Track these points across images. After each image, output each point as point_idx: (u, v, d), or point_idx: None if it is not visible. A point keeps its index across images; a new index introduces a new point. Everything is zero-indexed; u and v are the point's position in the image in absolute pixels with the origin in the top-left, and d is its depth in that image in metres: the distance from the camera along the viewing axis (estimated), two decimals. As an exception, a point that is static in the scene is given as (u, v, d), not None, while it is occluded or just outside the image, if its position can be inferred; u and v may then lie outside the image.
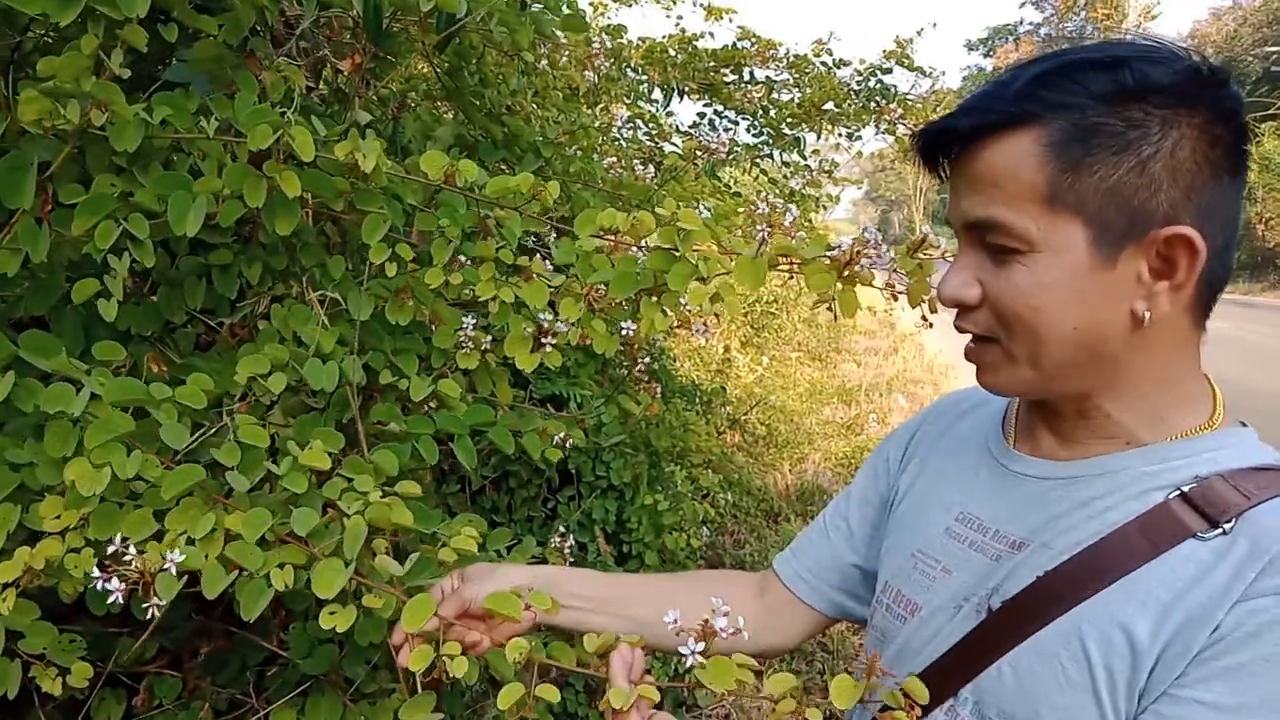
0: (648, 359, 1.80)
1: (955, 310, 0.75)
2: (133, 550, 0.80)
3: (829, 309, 0.87)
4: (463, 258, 1.09)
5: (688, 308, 0.98)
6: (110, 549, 0.79)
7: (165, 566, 0.80)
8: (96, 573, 0.79)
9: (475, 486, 2.03)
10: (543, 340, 1.02)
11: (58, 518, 0.86)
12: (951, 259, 0.77)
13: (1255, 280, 21.36)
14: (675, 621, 0.70)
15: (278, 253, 1.04)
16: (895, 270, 0.91)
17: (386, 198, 1.05)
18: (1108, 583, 0.69)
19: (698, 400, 3.97)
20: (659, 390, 2.37)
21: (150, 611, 0.82)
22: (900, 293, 0.92)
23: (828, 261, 0.90)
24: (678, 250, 0.94)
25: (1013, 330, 0.71)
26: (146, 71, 1.22)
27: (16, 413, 0.93)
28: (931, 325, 0.96)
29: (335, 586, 0.80)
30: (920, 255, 0.92)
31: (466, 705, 1.61)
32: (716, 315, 1.01)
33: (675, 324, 0.98)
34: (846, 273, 0.90)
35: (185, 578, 0.84)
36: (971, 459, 0.86)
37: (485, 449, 1.27)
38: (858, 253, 0.88)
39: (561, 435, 1.22)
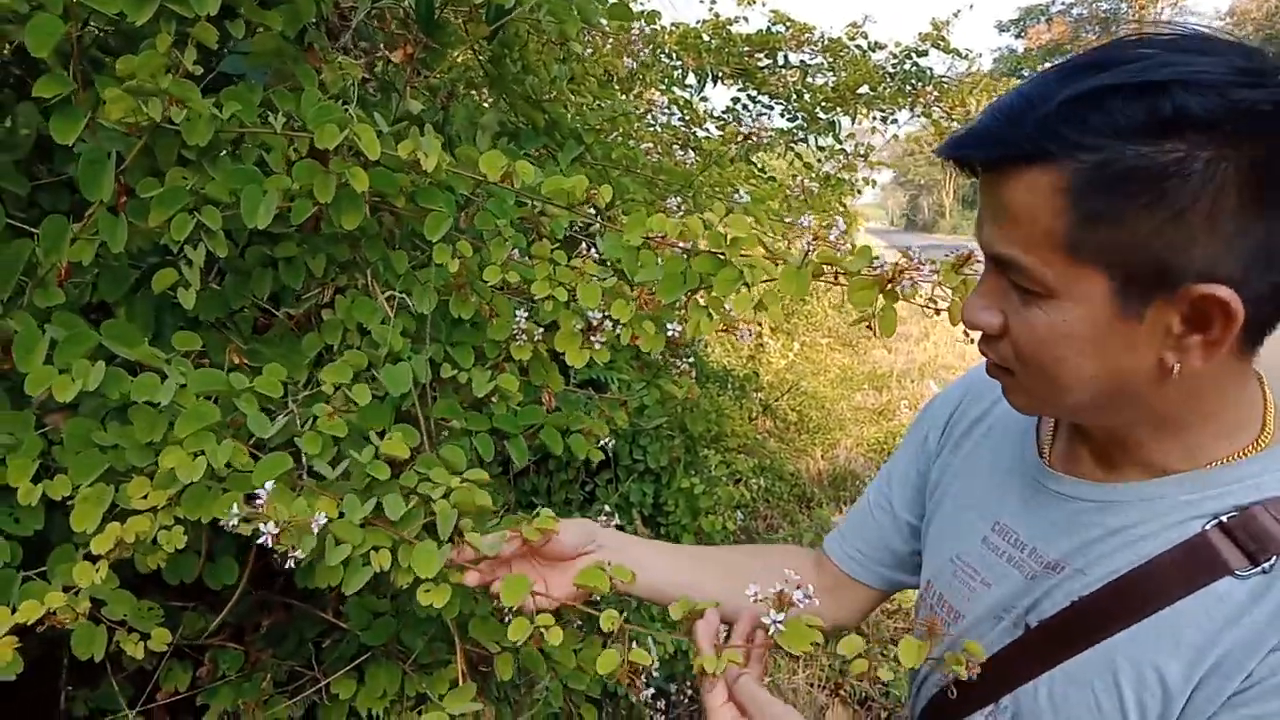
0: (689, 351, 1.83)
1: (979, 332, 0.74)
2: (265, 501, 0.83)
3: (868, 326, 0.88)
4: (515, 249, 1.12)
5: (732, 312, 1.00)
6: (260, 494, 0.83)
7: (311, 526, 0.83)
8: (235, 509, 0.83)
9: (517, 469, 2.07)
10: (591, 337, 1.05)
11: (145, 497, 0.91)
12: None
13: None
14: (755, 594, 0.76)
15: (340, 244, 1.08)
16: (938, 285, 0.91)
17: (440, 189, 1.08)
18: (1142, 616, 0.68)
19: (730, 386, 3.99)
20: (695, 374, 2.40)
21: (289, 562, 0.86)
22: (942, 309, 0.93)
23: (870, 277, 0.90)
24: (724, 255, 0.96)
25: (1029, 370, 0.69)
26: (202, 63, 1.25)
27: (93, 394, 0.98)
28: (973, 340, 0.97)
29: (435, 566, 0.86)
30: (965, 271, 0.93)
31: (514, 685, 1.66)
32: (760, 322, 1.03)
33: (721, 327, 1.00)
34: (888, 288, 0.91)
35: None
36: (1006, 463, 0.86)
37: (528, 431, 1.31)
38: (900, 270, 0.89)
39: (605, 440, 1.25)
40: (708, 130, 2.99)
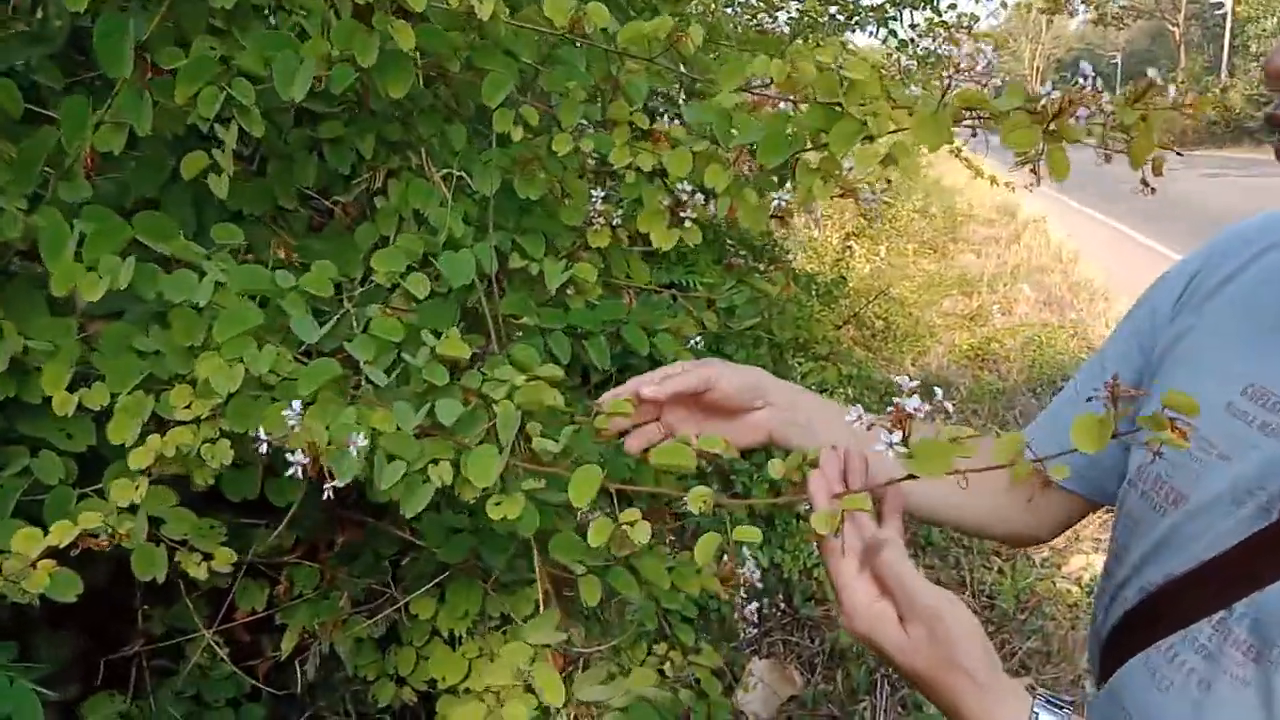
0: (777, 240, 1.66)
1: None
2: (299, 424, 0.74)
3: (1031, 171, 0.72)
4: (585, 122, 0.98)
5: (852, 173, 0.85)
6: (289, 416, 0.74)
7: (348, 448, 0.74)
8: (264, 436, 0.74)
9: (597, 380, 1.97)
10: (681, 214, 0.91)
11: (188, 407, 0.82)
12: None
13: None
14: (859, 418, 0.60)
15: (391, 121, 0.95)
16: (1111, 126, 0.74)
17: (499, 50, 0.94)
18: None
19: (814, 292, 3.80)
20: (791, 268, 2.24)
21: (326, 494, 0.77)
22: (1119, 152, 0.76)
23: (1029, 115, 0.74)
24: (840, 105, 0.80)
25: None
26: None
27: (137, 300, 0.90)
28: (1154, 191, 0.79)
29: (492, 473, 0.74)
30: (1143, 105, 0.75)
31: (586, 616, 1.57)
32: (889, 180, 0.88)
33: (838, 192, 0.85)
34: (1054, 127, 0.74)
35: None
36: (1270, 316, 0.70)
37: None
38: (1070, 102, 0.72)
39: (694, 338, 1.12)
40: (788, 10, 2.74)
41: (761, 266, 3.08)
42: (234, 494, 0.98)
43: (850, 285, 5.32)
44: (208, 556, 0.93)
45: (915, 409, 0.57)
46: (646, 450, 0.79)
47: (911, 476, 0.59)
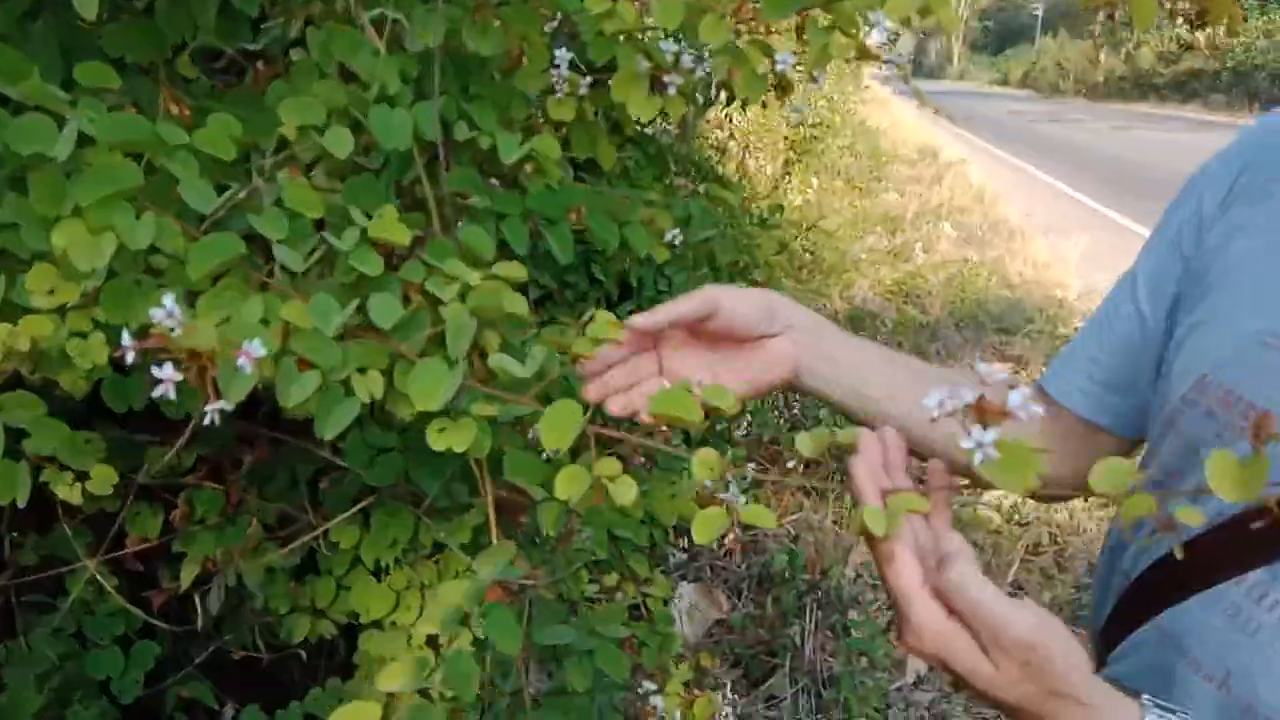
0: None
1: None
2: (178, 317, 0.58)
3: (1109, 16, 0.62)
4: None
5: (882, 25, 0.73)
6: (157, 315, 0.57)
7: (239, 361, 0.60)
8: (128, 341, 0.58)
9: (534, 296, 1.83)
10: (665, 79, 0.78)
11: (51, 292, 0.66)
12: None
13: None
14: (940, 404, 0.48)
15: (310, -47, 0.79)
16: None
17: None
18: None
19: (750, 219, 3.71)
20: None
21: (210, 418, 0.63)
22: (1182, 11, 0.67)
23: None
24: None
25: None
26: None
27: (-5, 161, 0.72)
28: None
29: (440, 395, 0.60)
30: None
31: (523, 543, 1.46)
32: (924, 33, 0.76)
33: (852, 55, 0.73)
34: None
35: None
36: None
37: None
38: None
39: (672, 233, 0.99)
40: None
41: (702, 189, 2.97)
42: (117, 404, 0.82)
43: (784, 215, 5.25)
44: (82, 476, 0.78)
45: (1018, 407, 0.47)
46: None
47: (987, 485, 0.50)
